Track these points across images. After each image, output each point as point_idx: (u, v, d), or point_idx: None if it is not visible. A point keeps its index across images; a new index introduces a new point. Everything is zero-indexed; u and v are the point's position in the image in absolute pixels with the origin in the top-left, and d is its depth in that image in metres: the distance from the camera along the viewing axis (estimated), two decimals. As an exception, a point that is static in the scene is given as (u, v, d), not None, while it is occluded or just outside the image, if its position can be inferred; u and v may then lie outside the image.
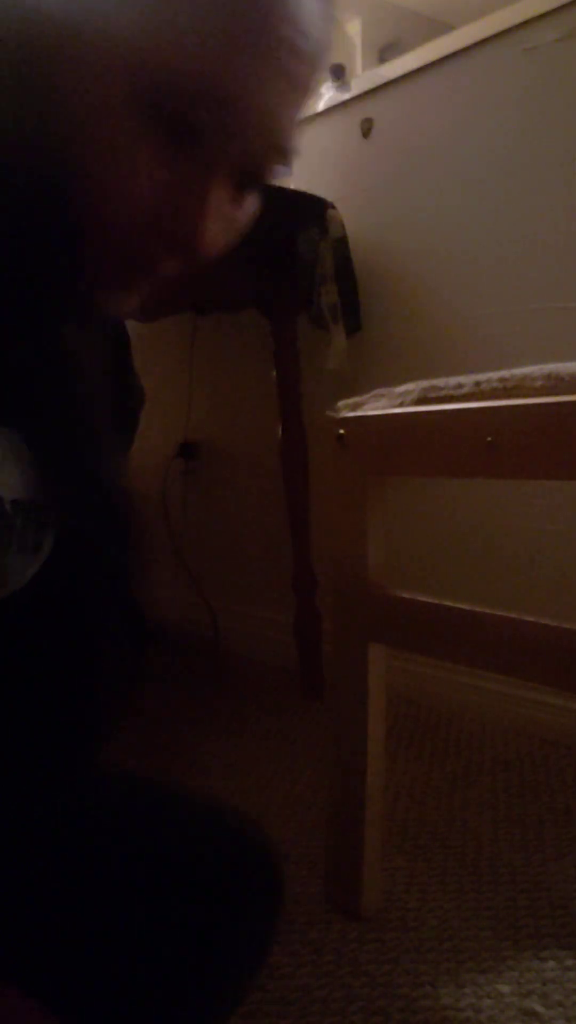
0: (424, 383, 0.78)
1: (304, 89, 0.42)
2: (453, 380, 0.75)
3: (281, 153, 0.43)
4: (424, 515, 1.51)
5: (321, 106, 1.65)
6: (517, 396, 0.69)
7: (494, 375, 0.72)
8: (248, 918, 0.51)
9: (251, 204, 0.45)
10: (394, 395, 0.80)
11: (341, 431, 0.83)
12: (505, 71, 1.34)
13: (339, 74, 1.70)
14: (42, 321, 0.47)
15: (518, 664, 0.71)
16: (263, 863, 0.54)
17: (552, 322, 1.31)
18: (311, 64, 0.41)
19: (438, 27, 1.50)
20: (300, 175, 1.58)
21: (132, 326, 0.59)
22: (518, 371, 0.70)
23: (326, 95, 1.67)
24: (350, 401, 0.85)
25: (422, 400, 0.77)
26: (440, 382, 0.76)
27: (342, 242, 1.51)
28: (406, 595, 0.80)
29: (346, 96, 1.59)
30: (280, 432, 1.56)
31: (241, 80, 0.39)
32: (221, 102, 0.38)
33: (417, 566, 1.52)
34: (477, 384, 0.73)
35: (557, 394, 0.66)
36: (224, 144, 0.40)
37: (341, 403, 0.85)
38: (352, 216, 1.54)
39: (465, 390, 0.74)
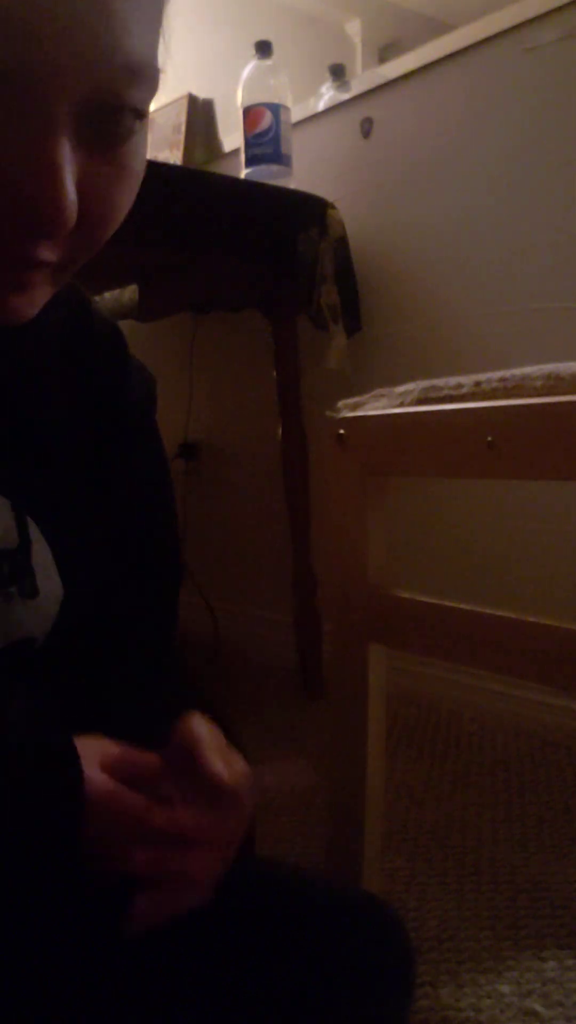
0: (424, 383, 0.78)
1: None
2: (453, 380, 0.75)
3: (129, 71, 0.33)
4: (424, 515, 1.51)
5: (321, 106, 1.65)
6: (517, 396, 0.69)
7: (494, 375, 0.72)
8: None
9: (131, 156, 0.36)
10: (394, 395, 0.80)
11: (341, 431, 0.83)
12: (505, 71, 1.34)
13: (339, 74, 1.69)
14: None
15: (518, 664, 0.71)
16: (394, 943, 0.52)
17: (552, 322, 1.31)
18: None
19: (438, 27, 1.50)
20: (300, 175, 1.59)
21: (132, 326, 0.58)
22: (518, 371, 0.70)
23: (326, 95, 1.67)
24: (350, 401, 0.85)
25: (422, 400, 0.77)
26: (440, 382, 0.76)
27: (342, 242, 1.51)
28: (406, 595, 0.80)
29: (346, 96, 1.59)
30: (280, 432, 1.56)
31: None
32: (17, 29, 0.30)
33: (417, 566, 1.52)
34: (477, 384, 0.73)
35: (557, 394, 0.66)
36: (45, 78, 0.31)
37: (341, 403, 0.85)
38: (352, 216, 1.54)
39: (465, 390, 0.73)
